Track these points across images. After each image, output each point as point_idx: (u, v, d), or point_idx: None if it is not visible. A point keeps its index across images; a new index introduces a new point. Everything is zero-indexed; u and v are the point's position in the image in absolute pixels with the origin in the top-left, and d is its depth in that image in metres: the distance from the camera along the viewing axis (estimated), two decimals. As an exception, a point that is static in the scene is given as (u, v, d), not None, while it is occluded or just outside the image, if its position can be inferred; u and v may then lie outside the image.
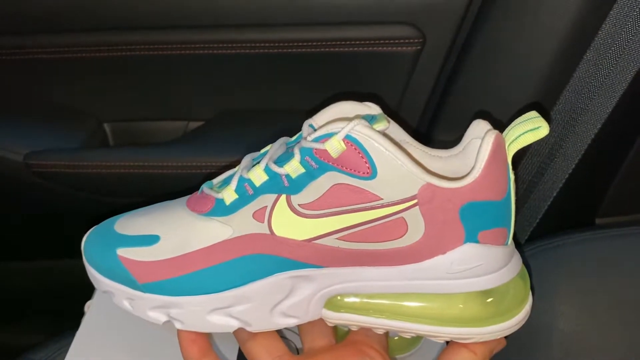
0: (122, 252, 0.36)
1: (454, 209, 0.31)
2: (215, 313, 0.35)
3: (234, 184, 0.35)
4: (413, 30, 0.62)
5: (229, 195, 0.35)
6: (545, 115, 0.59)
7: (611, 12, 0.53)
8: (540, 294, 0.53)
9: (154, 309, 0.36)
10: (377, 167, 0.31)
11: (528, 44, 0.58)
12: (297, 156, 0.33)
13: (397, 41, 0.63)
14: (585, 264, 0.56)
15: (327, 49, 0.64)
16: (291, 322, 0.36)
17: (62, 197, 0.71)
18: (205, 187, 0.37)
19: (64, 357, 0.58)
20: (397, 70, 0.66)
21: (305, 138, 0.33)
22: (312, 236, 0.33)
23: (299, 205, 0.33)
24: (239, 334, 0.37)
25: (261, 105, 0.69)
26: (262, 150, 0.37)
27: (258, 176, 0.34)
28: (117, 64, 0.68)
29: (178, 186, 0.68)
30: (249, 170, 0.35)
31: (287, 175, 0.33)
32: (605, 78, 0.56)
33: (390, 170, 0.31)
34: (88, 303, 0.51)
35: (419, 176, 0.31)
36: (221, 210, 0.35)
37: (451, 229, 0.32)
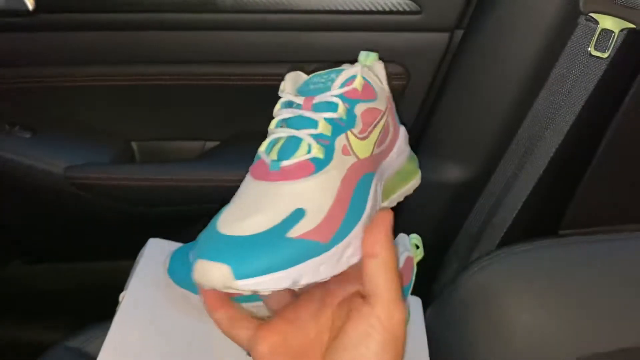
0: (291, 233, 0.34)
1: (395, 113, 0.46)
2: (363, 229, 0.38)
3: (313, 142, 0.38)
4: (399, 67, 0.68)
5: (319, 151, 0.37)
6: (507, 142, 0.67)
7: (561, 57, 0.61)
8: (506, 292, 0.60)
9: (342, 255, 0.36)
10: (377, 91, 0.41)
11: (494, 83, 0.65)
12: (339, 102, 0.39)
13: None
14: (546, 267, 0.62)
15: (327, 82, 0.71)
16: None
17: (95, 206, 0.75)
18: (280, 162, 0.37)
19: (97, 344, 0.61)
20: None
21: (332, 88, 0.40)
22: (372, 151, 0.41)
23: (358, 133, 0.40)
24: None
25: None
26: (280, 117, 0.40)
27: (325, 128, 0.38)
28: (145, 92, 0.73)
29: (196, 197, 0.75)
30: (312, 127, 0.38)
31: (341, 118, 0.39)
32: (557, 110, 0.63)
33: (380, 92, 0.42)
34: (122, 294, 0.56)
35: (387, 92, 0.43)
36: (321, 164, 0.37)
37: (397, 126, 0.46)
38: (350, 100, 0.40)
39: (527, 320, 0.59)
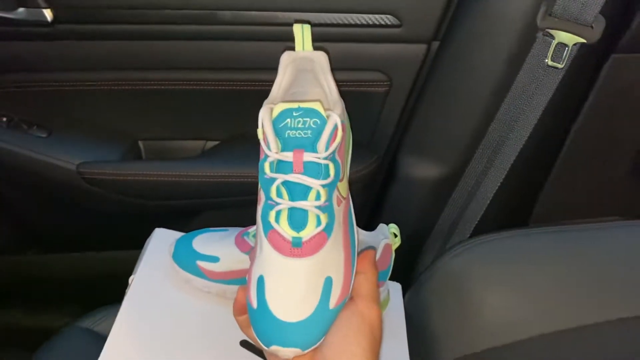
0: (331, 303, 0.40)
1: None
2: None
3: (319, 213, 0.40)
4: (382, 75, 0.71)
5: (325, 219, 0.40)
6: (478, 142, 0.71)
7: (523, 67, 0.65)
8: (475, 277, 0.64)
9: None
10: (345, 122, 0.44)
11: (466, 88, 0.68)
12: (329, 163, 0.40)
13: (369, 83, 0.71)
14: (512, 254, 0.65)
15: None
16: None
17: (105, 199, 0.77)
18: (302, 239, 0.40)
19: (107, 323, 0.65)
20: (370, 107, 0.74)
21: (318, 149, 0.40)
22: (348, 178, 0.45)
23: (341, 178, 0.43)
24: None
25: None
26: (278, 182, 0.40)
27: (324, 194, 0.40)
28: (152, 95, 0.75)
29: (197, 192, 0.77)
30: (314, 197, 0.40)
31: (333, 176, 0.41)
32: (520, 114, 0.67)
33: (343, 114, 0.44)
34: (132, 277, 0.59)
35: (336, 93, 0.47)
36: (330, 228, 0.41)
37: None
38: (331, 154, 0.41)
39: (493, 302, 0.63)
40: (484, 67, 0.67)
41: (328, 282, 0.40)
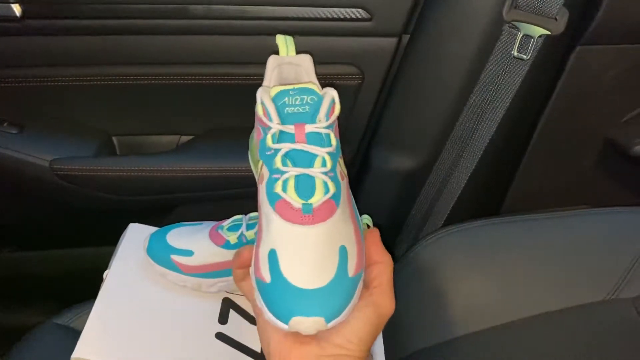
0: (350, 271, 0.40)
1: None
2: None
3: (327, 179, 0.40)
4: (354, 68, 0.71)
5: (333, 187, 0.40)
6: (448, 134, 0.72)
7: (490, 58, 0.66)
8: (446, 266, 0.66)
9: None
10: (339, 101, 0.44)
11: (435, 81, 0.70)
12: (330, 133, 0.41)
13: (341, 77, 0.72)
14: (481, 243, 0.67)
15: (290, 82, 0.73)
16: None
17: (79, 195, 0.77)
18: (312, 206, 0.39)
19: (83, 319, 0.62)
20: (343, 100, 0.67)
21: (317, 119, 0.41)
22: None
23: (340, 154, 0.43)
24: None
25: (239, 124, 0.72)
26: (282, 152, 0.41)
27: (329, 162, 0.41)
28: (124, 90, 0.74)
29: (171, 187, 0.78)
30: (320, 164, 0.41)
31: (334, 148, 0.42)
32: (488, 105, 0.69)
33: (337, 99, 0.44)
34: (106, 272, 0.59)
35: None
36: (337, 198, 0.41)
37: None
38: (331, 125, 0.42)
39: (465, 290, 0.64)
40: (452, 59, 0.68)
41: (343, 250, 0.39)
